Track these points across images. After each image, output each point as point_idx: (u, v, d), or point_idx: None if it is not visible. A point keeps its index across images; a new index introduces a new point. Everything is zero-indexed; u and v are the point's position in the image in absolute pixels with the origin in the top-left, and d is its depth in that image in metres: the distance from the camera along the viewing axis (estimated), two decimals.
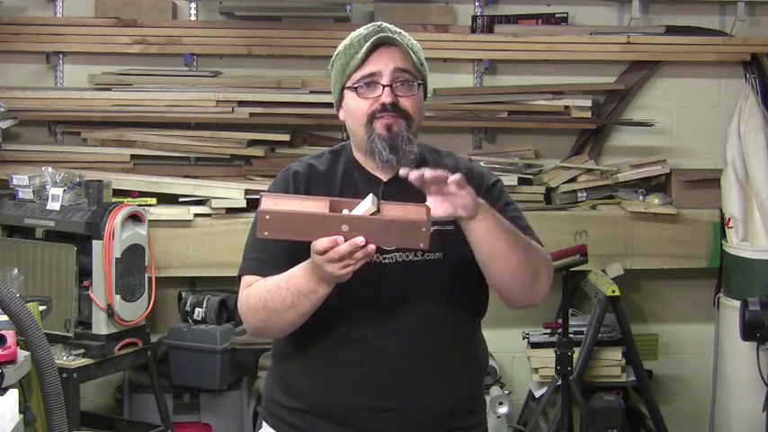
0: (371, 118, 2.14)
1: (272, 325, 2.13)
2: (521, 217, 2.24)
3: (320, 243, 1.93)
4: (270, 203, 1.99)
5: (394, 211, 1.98)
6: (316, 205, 1.98)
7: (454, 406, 2.20)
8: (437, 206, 1.97)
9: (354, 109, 2.17)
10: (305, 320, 2.09)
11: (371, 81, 2.14)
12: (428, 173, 1.94)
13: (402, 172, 1.97)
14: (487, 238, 2.05)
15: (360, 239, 1.91)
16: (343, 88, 2.19)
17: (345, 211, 1.96)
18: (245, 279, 2.19)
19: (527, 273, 2.11)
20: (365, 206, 1.96)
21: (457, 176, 1.96)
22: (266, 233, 1.96)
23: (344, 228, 1.92)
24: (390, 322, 2.13)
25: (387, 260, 2.12)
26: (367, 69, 2.14)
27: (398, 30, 2.21)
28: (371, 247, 1.92)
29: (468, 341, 2.25)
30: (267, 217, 1.95)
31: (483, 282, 2.18)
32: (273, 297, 2.08)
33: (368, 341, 2.13)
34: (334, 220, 1.93)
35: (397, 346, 2.13)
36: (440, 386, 2.17)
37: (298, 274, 2.05)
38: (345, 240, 1.91)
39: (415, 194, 2.17)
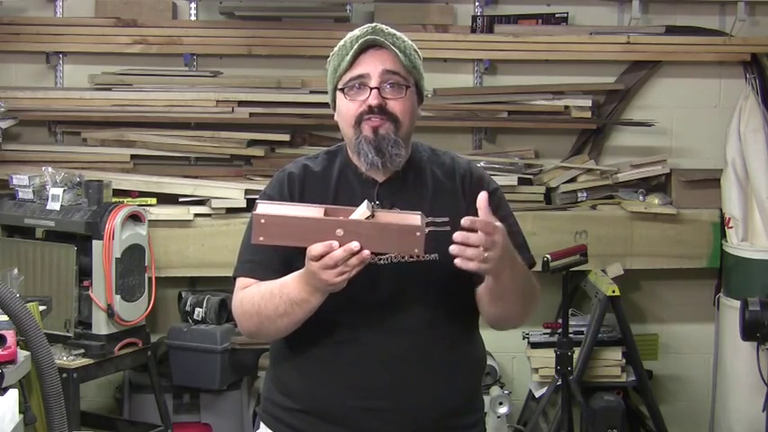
0: (359, 120, 2.14)
1: (264, 330, 2.15)
2: (518, 231, 2.25)
3: (315, 248, 1.93)
4: (265, 208, 1.99)
5: (389, 217, 1.99)
6: (311, 211, 1.99)
7: (451, 405, 2.20)
8: (482, 267, 1.97)
9: (344, 111, 2.17)
10: (298, 327, 2.11)
11: (360, 83, 2.14)
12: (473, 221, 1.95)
13: (464, 222, 1.95)
14: (501, 289, 2.09)
15: (354, 244, 1.91)
16: (335, 89, 2.20)
17: (340, 217, 1.96)
18: (240, 281, 2.20)
19: (523, 313, 2.21)
20: (360, 212, 1.96)
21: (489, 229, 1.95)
22: (261, 238, 1.96)
23: (339, 232, 1.92)
24: (386, 323, 2.13)
25: (382, 261, 2.12)
26: (356, 71, 2.14)
27: (393, 32, 2.20)
28: (366, 253, 1.92)
29: (464, 340, 2.25)
30: (262, 221, 1.95)
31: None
32: (267, 304, 2.09)
33: (364, 342, 2.13)
34: (328, 225, 1.94)
35: (394, 346, 2.13)
36: (437, 386, 2.17)
37: (291, 284, 2.05)
38: (340, 246, 1.91)
39: (410, 196, 2.18)
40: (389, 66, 2.14)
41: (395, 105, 2.14)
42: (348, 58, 2.14)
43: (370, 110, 2.12)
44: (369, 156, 2.13)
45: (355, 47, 2.14)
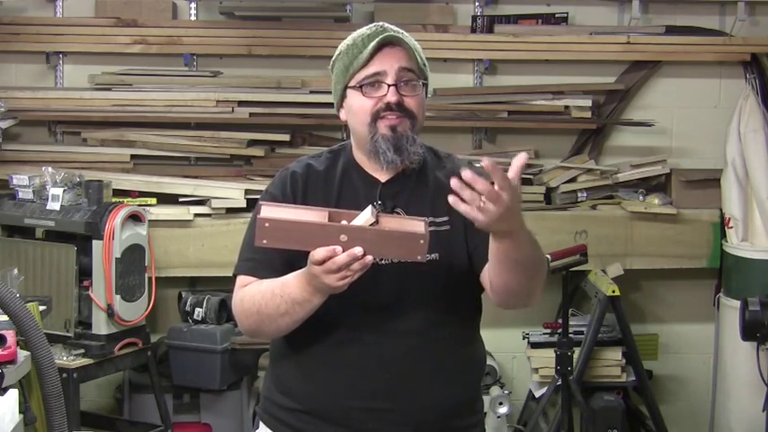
0: (375, 117, 2.13)
1: (265, 329, 2.14)
2: None
3: (318, 253, 1.92)
4: (269, 211, 1.99)
5: (392, 222, 1.99)
6: (315, 215, 1.99)
7: (452, 406, 2.20)
8: (473, 213, 1.85)
9: (358, 108, 2.16)
10: (298, 326, 2.10)
11: (376, 80, 2.13)
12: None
13: (484, 162, 1.81)
14: (504, 255, 1.99)
15: (358, 250, 1.91)
16: (345, 88, 2.18)
17: (344, 222, 1.96)
18: (240, 279, 2.19)
19: (532, 284, 2.10)
20: (364, 217, 1.96)
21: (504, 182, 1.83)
22: (265, 241, 1.96)
23: (343, 238, 1.92)
24: (387, 323, 2.13)
25: (383, 261, 2.11)
26: (372, 68, 2.13)
27: (400, 30, 2.20)
28: (369, 258, 1.92)
29: (465, 341, 2.24)
30: (266, 225, 1.95)
31: (479, 281, 2.17)
32: (268, 303, 2.09)
33: (364, 342, 2.13)
34: (332, 230, 1.93)
35: (394, 346, 2.13)
36: (437, 386, 2.16)
37: (293, 283, 2.04)
38: (344, 251, 1.91)
39: (411, 196, 2.17)
40: (405, 63, 2.15)
41: (411, 102, 2.14)
42: (364, 55, 2.13)
43: (388, 107, 2.12)
44: (387, 154, 2.12)
45: (372, 44, 2.13)
